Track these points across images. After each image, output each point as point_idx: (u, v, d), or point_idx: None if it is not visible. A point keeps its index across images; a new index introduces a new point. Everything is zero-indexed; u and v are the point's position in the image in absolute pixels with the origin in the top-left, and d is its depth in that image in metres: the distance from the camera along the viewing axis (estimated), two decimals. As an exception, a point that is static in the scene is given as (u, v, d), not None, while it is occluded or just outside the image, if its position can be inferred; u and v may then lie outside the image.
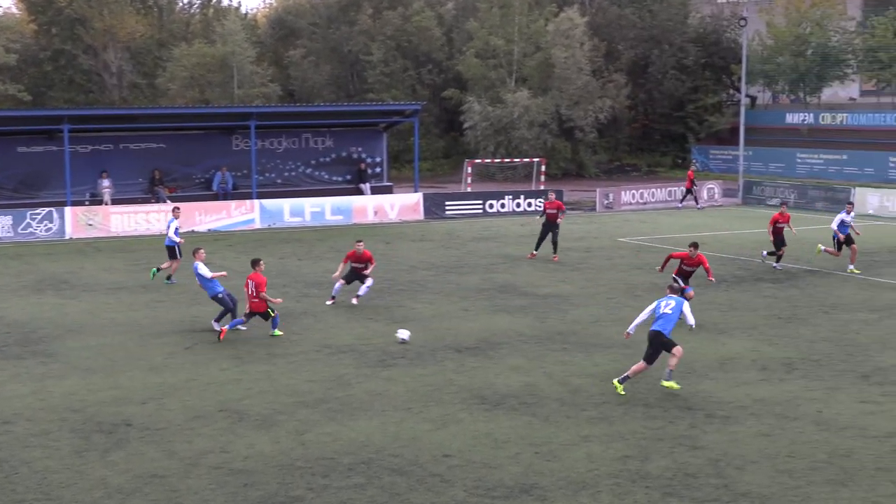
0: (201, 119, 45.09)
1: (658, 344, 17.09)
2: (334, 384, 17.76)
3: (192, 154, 44.01)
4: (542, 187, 51.23)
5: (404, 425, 15.44)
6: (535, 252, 32.93)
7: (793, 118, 61.98)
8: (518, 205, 46.91)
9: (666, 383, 17.38)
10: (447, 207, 45.84)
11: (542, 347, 20.51)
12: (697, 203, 49.71)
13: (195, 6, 72.68)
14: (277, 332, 21.57)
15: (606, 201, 49.52)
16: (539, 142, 60.83)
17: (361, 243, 24.95)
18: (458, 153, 64.18)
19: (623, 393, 17.06)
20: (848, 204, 31.66)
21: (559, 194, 41.75)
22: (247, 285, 21.51)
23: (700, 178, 57.24)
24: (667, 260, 24.39)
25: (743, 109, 55.98)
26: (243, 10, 79.95)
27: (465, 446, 14.49)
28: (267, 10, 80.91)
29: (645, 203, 50.15)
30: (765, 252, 31.21)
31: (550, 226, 32.70)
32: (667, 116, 66.29)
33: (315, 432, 15.10)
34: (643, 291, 26.66)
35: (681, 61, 65.09)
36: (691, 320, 17.62)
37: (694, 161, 52.69)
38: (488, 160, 57.01)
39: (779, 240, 30.56)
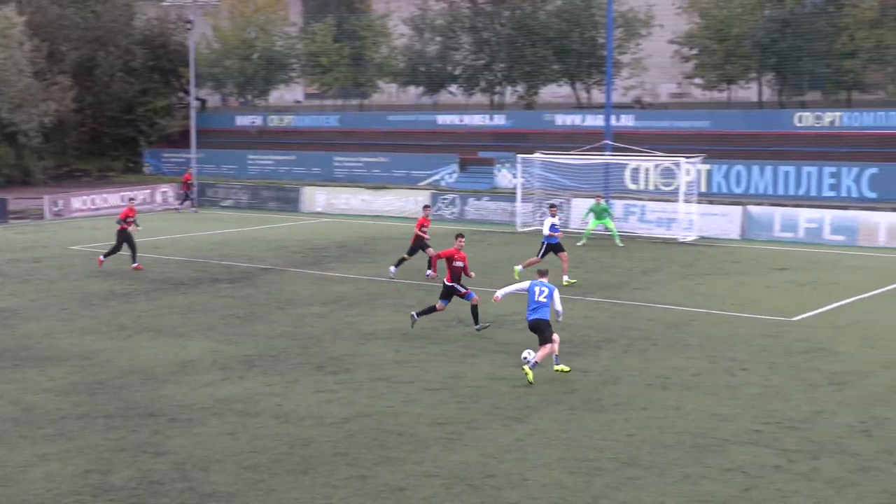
0: None
1: (542, 329, 18.14)
2: None
3: None
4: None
5: None
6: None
7: (243, 120, 63.56)
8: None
9: (558, 367, 18.32)
10: None
11: (-11, 367, 19.18)
12: (193, 205, 49.70)
13: None
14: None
15: (55, 208, 47.47)
16: (-22, 147, 56.66)
17: None
18: None
19: (532, 382, 17.67)
20: (551, 207, 29.80)
21: (3, 203, 39.19)
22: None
23: (154, 181, 56.83)
24: (434, 262, 23.85)
25: (193, 112, 56.44)
26: None
27: None
28: None
29: (98, 209, 48.77)
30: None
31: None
32: (117, 120, 64.86)
33: None
34: (99, 300, 25.95)
35: (128, 63, 64.02)
36: (559, 307, 18.69)
37: (191, 167, 52.06)
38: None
39: (418, 245, 29.34)
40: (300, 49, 63.79)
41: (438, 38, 58.67)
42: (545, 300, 18.56)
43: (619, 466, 13.79)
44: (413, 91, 62.94)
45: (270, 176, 57.39)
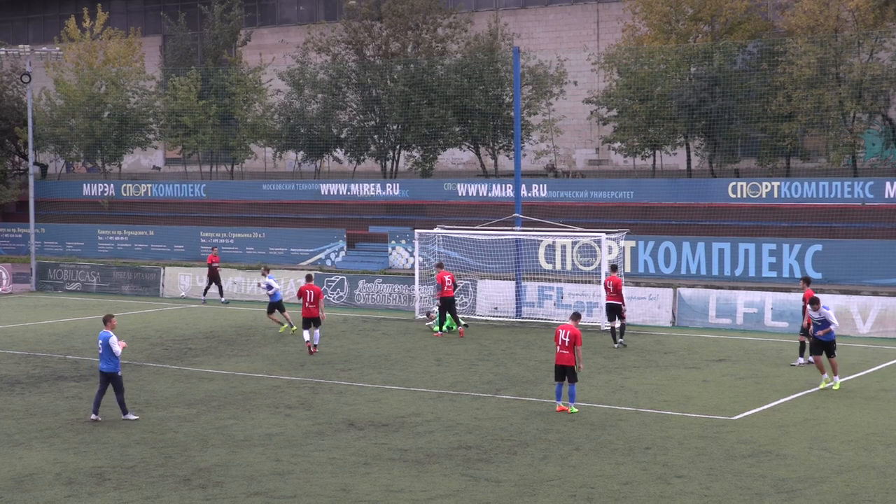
0: None
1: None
2: None
3: None
4: None
5: None
6: None
7: (91, 189, 62.87)
8: None
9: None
10: None
11: None
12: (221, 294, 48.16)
13: None
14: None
15: None
16: None
17: None
18: None
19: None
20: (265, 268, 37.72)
21: None
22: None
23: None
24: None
25: (32, 179, 55.68)
26: None
27: None
28: None
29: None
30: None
31: None
32: (-62, 188, 63.63)
33: None
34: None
35: (-47, 122, 63.09)
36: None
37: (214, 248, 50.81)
38: None
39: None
40: (159, 107, 63.60)
41: (321, 96, 59.06)
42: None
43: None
44: (292, 156, 63.05)
45: (124, 255, 56.70)
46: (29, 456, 20.56)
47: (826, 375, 26.92)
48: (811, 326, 27.26)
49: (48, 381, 28.27)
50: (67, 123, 63.33)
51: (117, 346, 23.31)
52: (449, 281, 36.46)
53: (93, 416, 23.60)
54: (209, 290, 46.07)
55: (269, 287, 37.02)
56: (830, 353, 26.83)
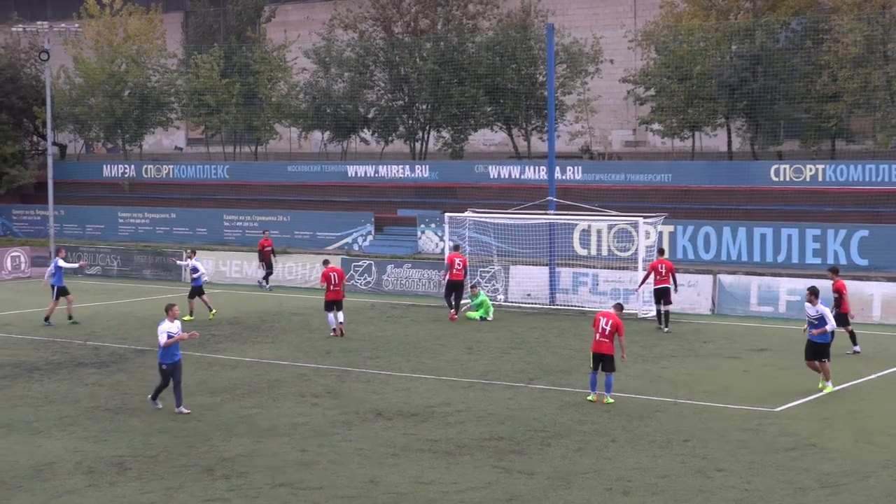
0: None
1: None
2: None
3: None
4: None
5: None
6: None
7: (112, 171, 63.11)
8: None
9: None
10: None
11: None
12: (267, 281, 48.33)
13: None
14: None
15: None
16: None
17: None
18: None
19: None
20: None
21: None
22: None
23: (2, 244, 55.96)
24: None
25: (51, 160, 55.85)
26: None
27: None
28: None
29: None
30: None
31: None
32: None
33: None
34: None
35: (-30, 100, 63.40)
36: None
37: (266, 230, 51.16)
38: None
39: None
40: (181, 85, 63.65)
41: (347, 74, 59.00)
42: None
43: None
44: (318, 137, 63.08)
45: (146, 238, 56.89)
46: (48, 444, 20.70)
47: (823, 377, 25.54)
48: (807, 324, 25.61)
49: (68, 368, 28.44)
50: (87, 102, 63.51)
51: (161, 337, 23.05)
52: (459, 264, 37.08)
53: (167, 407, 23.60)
54: (267, 276, 46.52)
55: (196, 270, 37.46)
56: (823, 357, 25.24)
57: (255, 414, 23.22)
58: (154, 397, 23.61)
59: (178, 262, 40.49)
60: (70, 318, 36.15)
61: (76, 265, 40.48)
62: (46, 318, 35.83)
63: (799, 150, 50.11)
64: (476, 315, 36.78)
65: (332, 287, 33.15)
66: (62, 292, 36.33)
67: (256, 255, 47.16)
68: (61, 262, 36.71)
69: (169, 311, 23.31)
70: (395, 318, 37.22)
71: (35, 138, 68.31)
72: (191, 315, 36.59)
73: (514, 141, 57.54)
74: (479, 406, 23.83)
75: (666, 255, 36.59)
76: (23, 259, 51.70)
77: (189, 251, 39.50)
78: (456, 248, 38.31)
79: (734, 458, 19.72)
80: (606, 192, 47.46)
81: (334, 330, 33.14)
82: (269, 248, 46.76)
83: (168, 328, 23.00)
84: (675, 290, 34.77)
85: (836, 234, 41.09)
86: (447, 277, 37.35)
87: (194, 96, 61.60)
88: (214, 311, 37.34)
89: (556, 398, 24.74)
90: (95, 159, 69.83)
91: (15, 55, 67.09)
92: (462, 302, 37.69)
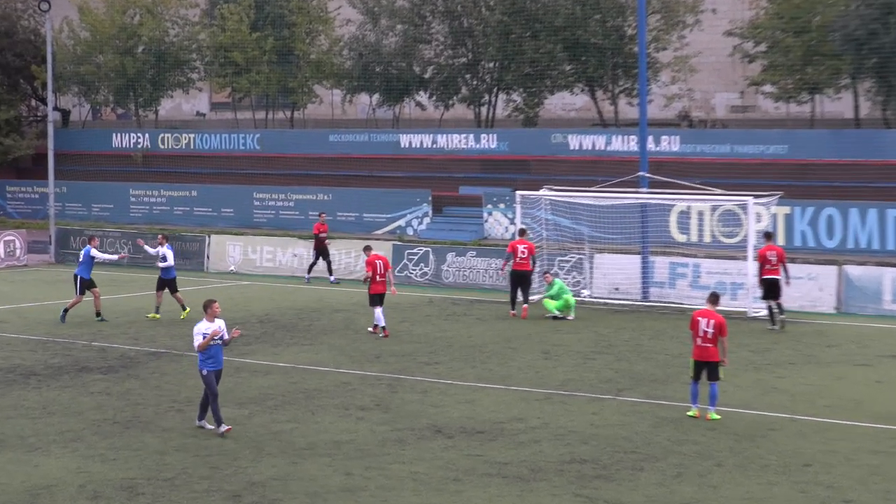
0: None
1: None
2: None
3: None
4: None
5: None
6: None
7: (122, 140, 63.53)
8: None
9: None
10: None
11: None
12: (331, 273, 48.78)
13: None
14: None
15: None
16: None
17: None
18: None
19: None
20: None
21: None
22: None
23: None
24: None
25: (52, 128, 56.23)
26: None
27: None
28: None
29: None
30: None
31: None
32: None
33: None
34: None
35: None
36: None
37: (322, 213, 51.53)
38: None
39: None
40: (204, 40, 63.96)
41: (400, 27, 59.02)
42: None
43: None
44: (365, 101, 63.15)
45: (161, 219, 57.29)
46: (47, 463, 20.72)
47: None
48: None
49: (70, 373, 28.51)
50: (94, 60, 63.99)
51: (196, 339, 22.67)
52: (524, 251, 36.93)
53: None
54: (314, 267, 45.76)
55: (164, 259, 36.86)
56: None
57: (290, 430, 23.15)
58: (201, 416, 23.28)
59: (147, 247, 39.30)
60: (98, 314, 36.13)
61: (115, 257, 40.59)
62: (65, 311, 35.92)
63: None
64: (554, 307, 36.44)
65: (377, 277, 33.24)
66: (89, 285, 36.35)
67: (312, 241, 46.16)
68: (94, 252, 36.69)
69: (208, 308, 22.90)
70: (457, 317, 37.10)
71: (33, 103, 68.97)
72: (156, 313, 36.69)
73: (598, 106, 57.34)
74: (557, 422, 23.65)
75: (776, 241, 36.12)
76: (18, 244, 52.06)
77: (161, 236, 38.46)
78: (522, 232, 38.12)
79: (865, 487, 19.41)
80: (709, 166, 47.17)
81: (384, 328, 33.12)
82: (324, 235, 45.86)
83: (204, 328, 22.71)
84: (788, 282, 34.33)
85: None
86: (506, 268, 37.24)
87: (219, 53, 61.88)
88: (188, 310, 36.15)
89: (649, 413, 24.52)
90: (104, 127, 70.44)
91: (10, 5, 67.71)
92: (532, 298, 37.51)
